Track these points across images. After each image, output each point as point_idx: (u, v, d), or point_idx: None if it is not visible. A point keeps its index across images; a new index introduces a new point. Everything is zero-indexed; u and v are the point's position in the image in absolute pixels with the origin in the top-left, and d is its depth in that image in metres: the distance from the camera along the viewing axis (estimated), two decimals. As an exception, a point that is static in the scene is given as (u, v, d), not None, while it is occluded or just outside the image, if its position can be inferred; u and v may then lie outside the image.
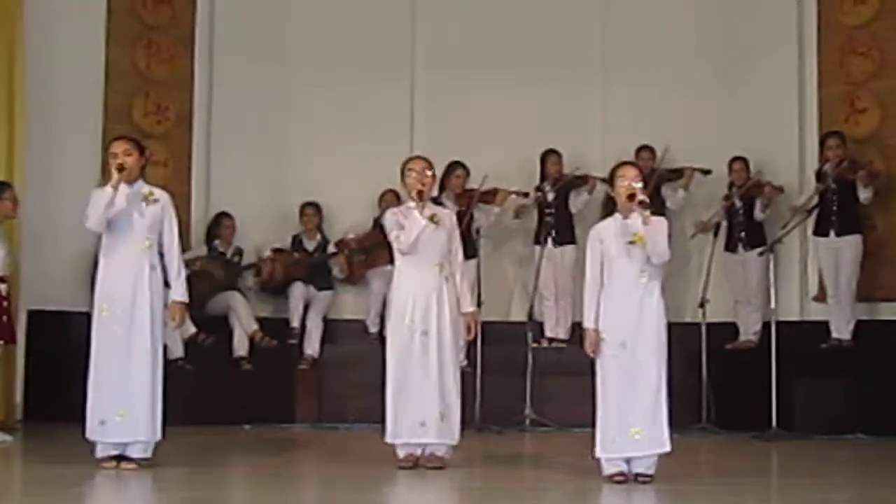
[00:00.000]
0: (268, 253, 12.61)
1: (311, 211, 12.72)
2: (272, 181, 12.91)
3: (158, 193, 8.01)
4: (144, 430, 7.73)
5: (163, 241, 7.95)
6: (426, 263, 8.18)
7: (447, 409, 8.08)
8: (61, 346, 10.89)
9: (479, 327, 8.60)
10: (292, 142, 13.13)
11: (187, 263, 11.70)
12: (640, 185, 7.49)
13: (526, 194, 12.53)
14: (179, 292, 7.99)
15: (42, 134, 11.55)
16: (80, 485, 7.32)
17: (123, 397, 7.71)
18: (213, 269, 12.12)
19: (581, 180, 12.38)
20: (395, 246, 8.26)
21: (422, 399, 8.04)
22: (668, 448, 7.38)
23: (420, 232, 8.11)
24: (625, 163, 7.88)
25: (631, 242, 7.44)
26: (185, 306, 8.09)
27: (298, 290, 12.51)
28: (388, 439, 8.14)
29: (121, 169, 7.80)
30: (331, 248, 12.72)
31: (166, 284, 8.04)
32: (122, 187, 7.78)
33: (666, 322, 7.50)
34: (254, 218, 12.62)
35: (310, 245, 12.73)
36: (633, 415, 7.34)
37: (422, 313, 8.12)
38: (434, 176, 8.44)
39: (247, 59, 12.81)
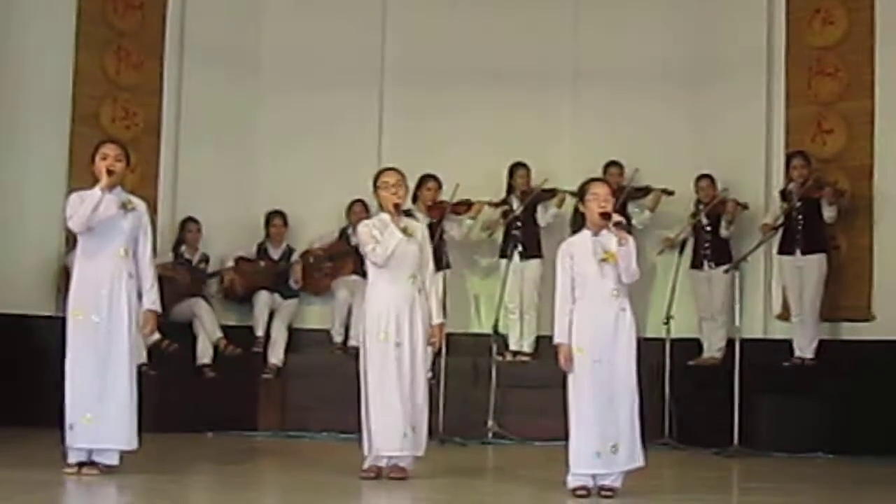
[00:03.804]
0: (230, 262, 12.59)
1: (277, 220, 12.70)
2: (240, 189, 12.89)
3: (136, 202, 7.98)
4: (118, 437, 7.69)
5: (136, 249, 7.90)
6: (399, 275, 8.16)
7: (417, 422, 8.08)
8: (24, 350, 10.83)
9: (444, 339, 8.58)
10: (260, 150, 13.12)
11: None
12: (611, 201, 7.51)
13: (498, 204, 12.55)
14: (151, 300, 7.92)
15: (8, 137, 11.52)
16: (42, 490, 7.28)
17: (93, 403, 7.65)
18: (177, 274, 12.06)
19: (549, 194, 12.39)
20: (370, 259, 8.21)
21: (397, 412, 8.02)
22: (641, 463, 7.40)
23: (396, 245, 8.12)
24: (596, 179, 7.87)
25: (603, 260, 7.45)
26: (157, 315, 8.03)
27: (263, 299, 12.48)
28: (368, 453, 8.09)
29: (110, 172, 7.78)
30: (295, 257, 12.71)
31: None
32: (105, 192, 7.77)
33: (636, 338, 7.52)
34: (221, 225, 12.59)
35: (275, 253, 12.71)
36: (611, 431, 7.32)
37: (395, 325, 8.09)
38: (407, 188, 8.40)
39: (216, 66, 12.81)
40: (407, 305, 8.11)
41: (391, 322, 8.09)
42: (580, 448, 7.35)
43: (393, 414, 8.01)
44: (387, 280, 8.17)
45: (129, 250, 7.86)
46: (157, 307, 7.97)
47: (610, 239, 7.45)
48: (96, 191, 7.76)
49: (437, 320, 8.26)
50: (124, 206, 7.87)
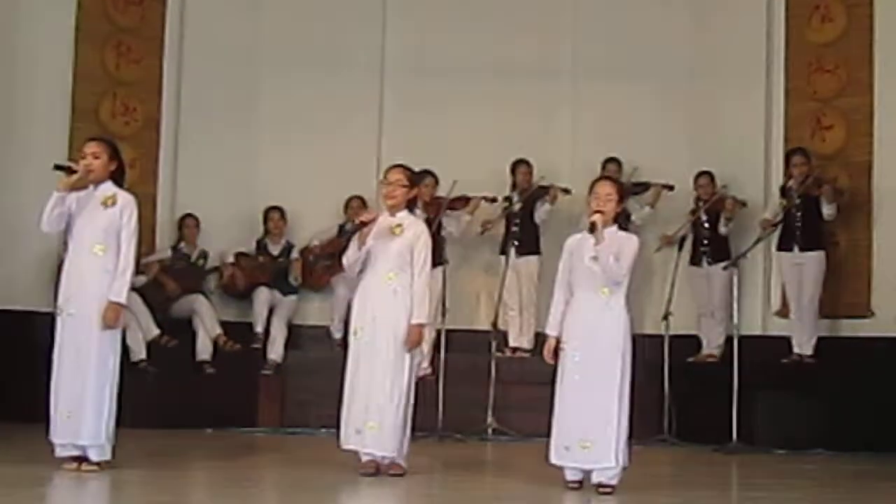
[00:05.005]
0: (231, 258, 12.58)
1: (276, 215, 12.69)
2: (239, 184, 12.87)
3: (120, 197, 7.83)
4: (88, 433, 7.63)
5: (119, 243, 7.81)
6: (376, 272, 8.12)
7: (380, 420, 7.97)
8: (24, 345, 10.81)
9: (420, 339, 8.30)
10: (260, 146, 13.10)
11: (144, 269, 11.64)
12: (613, 200, 7.51)
13: (495, 199, 12.55)
14: (115, 292, 7.72)
15: (7, 132, 11.51)
16: (40, 485, 7.29)
17: (70, 398, 7.63)
18: (169, 282, 12.02)
19: (544, 190, 12.41)
20: None
21: (357, 407, 8.04)
22: (612, 462, 7.36)
23: (357, 257, 8.10)
24: (602, 178, 7.93)
25: (594, 258, 7.48)
26: (121, 307, 7.77)
27: (263, 295, 12.47)
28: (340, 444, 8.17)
29: (70, 172, 7.72)
30: (295, 254, 12.70)
31: (133, 288, 7.96)
32: (90, 189, 7.73)
33: (630, 336, 7.52)
34: (220, 221, 12.58)
35: (275, 249, 12.71)
36: (585, 426, 7.37)
37: (366, 321, 8.10)
38: (406, 187, 8.26)
39: (216, 62, 12.79)
40: (378, 302, 8.07)
41: (364, 318, 8.11)
42: (553, 440, 7.49)
43: (350, 409, 8.07)
44: (366, 277, 8.18)
45: (106, 247, 7.73)
46: (121, 299, 7.74)
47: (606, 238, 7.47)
48: (54, 192, 7.71)
49: (414, 320, 8.07)
50: (104, 203, 7.78)
